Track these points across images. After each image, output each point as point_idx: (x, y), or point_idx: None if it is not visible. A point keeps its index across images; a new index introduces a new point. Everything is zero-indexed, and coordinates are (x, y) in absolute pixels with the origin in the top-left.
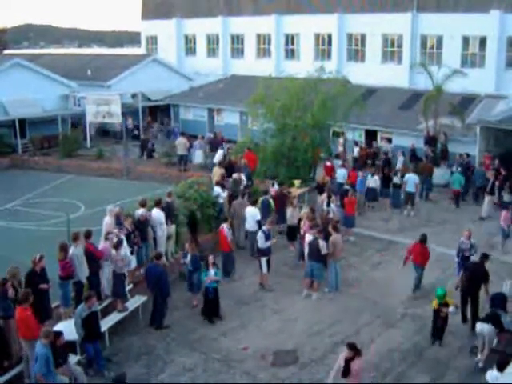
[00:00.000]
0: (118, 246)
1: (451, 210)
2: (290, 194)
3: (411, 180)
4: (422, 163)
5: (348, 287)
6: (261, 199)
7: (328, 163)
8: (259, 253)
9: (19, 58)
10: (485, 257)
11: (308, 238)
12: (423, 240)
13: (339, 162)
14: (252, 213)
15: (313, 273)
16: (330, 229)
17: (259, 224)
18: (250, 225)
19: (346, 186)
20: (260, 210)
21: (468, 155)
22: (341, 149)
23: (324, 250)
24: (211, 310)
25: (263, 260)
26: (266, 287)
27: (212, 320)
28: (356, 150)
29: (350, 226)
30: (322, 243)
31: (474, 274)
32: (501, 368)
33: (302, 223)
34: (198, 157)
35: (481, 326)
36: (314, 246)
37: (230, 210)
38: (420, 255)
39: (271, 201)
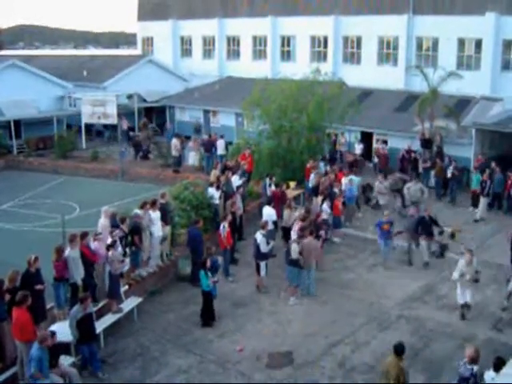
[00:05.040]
0: (111, 247)
1: (444, 212)
2: (286, 190)
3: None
4: (439, 164)
5: (343, 289)
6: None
7: (308, 165)
8: (260, 257)
9: (14, 58)
10: None
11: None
12: None
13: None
14: (269, 213)
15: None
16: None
17: (275, 224)
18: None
19: (335, 189)
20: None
21: (450, 159)
22: (343, 149)
23: (294, 255)
24: (211, 314)
25: (263, 264)
26: (262, 290)
27: (209, 323)
28: (359, 147)
29: (336, 227)
30: (293, 246)
31: None
32: (497, 368)
33: None
34: (191, 158)
35: None
36: (287, 248)
37: (224, 210)
38: None
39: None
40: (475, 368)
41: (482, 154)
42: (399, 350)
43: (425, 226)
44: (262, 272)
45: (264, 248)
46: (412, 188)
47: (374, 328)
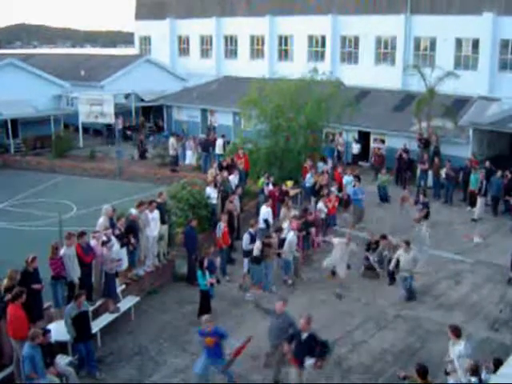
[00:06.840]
0: (104, 245)
1: (442, 211)
2: (287, 188)
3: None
4: (436, 164)
5: (340, 289)
6: (261, 181)
7: (306, 165)
8: (244, 254)
9: (12, 57)
10: None
11: (289, 236)
12: None
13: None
14: (263, 212)
15: None
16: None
17: (267, 223)
18: (260, 223)
19: (333, 188)
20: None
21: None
22: (341, 148)
23: (256, 252)
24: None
25: (245, 260)
26: (243, 286)
27: None
28: (357, 147)
29: (331, 226)
30: (257, 244)
31: None
32: (495, 369)
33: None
34: (188, 157)
35: None
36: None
37: (222, 210)
38: None
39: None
40: (473, 379)
41: (474, 155)
42: (421, 371)
43: (300, 346)
44: (245, 269)
45: (246, 245)
46: (403, 258)
47: (371, 328)
